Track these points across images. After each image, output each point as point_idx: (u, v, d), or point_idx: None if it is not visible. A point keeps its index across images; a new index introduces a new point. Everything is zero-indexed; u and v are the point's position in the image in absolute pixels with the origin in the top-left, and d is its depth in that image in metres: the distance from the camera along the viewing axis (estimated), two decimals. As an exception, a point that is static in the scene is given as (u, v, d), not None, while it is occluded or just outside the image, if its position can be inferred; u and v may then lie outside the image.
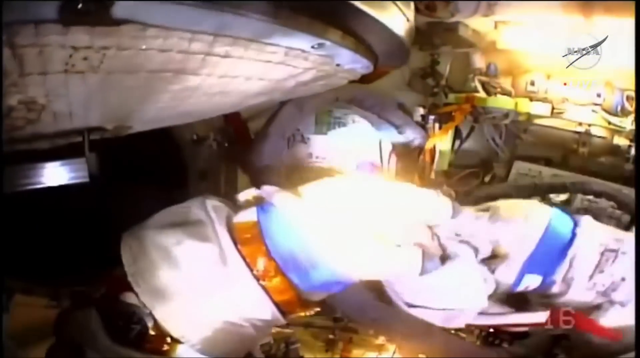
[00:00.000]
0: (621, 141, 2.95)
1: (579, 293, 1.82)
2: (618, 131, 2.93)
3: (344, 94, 2.98)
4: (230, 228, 1.60)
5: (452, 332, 3.46)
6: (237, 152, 3.25)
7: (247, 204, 1.72)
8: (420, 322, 2.70)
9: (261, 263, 1.56)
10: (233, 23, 1.33)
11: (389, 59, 2.27)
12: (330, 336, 3.36)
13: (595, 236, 1.85)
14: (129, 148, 2.83)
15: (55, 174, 1.99)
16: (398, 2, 1.78)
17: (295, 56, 1.69)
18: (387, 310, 2.50)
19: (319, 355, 3.43)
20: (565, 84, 2.95)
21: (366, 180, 1.95)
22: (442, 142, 3.23)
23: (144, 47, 1.24)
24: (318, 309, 1.79)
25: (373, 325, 2.65)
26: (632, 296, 1.78)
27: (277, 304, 1.56)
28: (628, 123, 2.87)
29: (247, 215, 1.64)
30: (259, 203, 1.68)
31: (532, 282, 1.82)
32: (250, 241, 1.57)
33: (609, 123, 2.91)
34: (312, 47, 1.66)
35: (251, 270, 1.53)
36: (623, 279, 1.76)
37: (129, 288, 1.60)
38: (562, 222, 1.86)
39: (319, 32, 1.59)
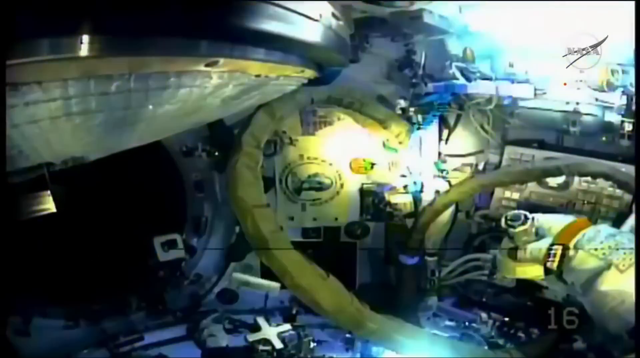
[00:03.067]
0: (613, 117, 2.77)
1: (585, 257, 2.15)
2: (608, 107, 2.74)
3: (319, 95, 2.94)
4: None
5: (466, 323, 3.43)
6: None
7: None
8: (420, 331, 2.69)
9: None
10: (98, 65, 1.36)
11: (327, 61, 2.24)
12: (347, 335, 3.35)
13: (604, 227, 2.29)
14: (127, 167, 2.96)
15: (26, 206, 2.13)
16: (301, 9, 1.73)
17: (193, 77, 1.70)
18: (385, 321, 2.49)
19: (340, 354, 3.43)
20: (565, 84, 2.81)
21: None
22: (427, 133, 3.15)
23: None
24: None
25: (373, 336, 2.64)
26: (630, 265, 2.03)
27: None
28: (616, 98, 2.67)
29: None
30: None
31: (557, 250, 2.26)
32: None
33: (597, 99, 2.73)
34: (207, 65, 1.65)
35: None
36: (617, 248, 2.09)
37: None
38: (584, 221, 2.39)
39: (206, 52, 1.58)
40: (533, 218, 2.31)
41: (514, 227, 2.29)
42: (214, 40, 1.58)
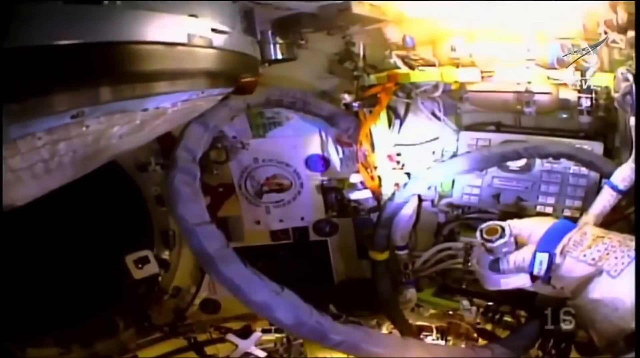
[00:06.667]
0: (569, 94, 2.58)
1: (573, 264, 2.00)
2: (562, 84, 2.55)
3: (254, 100, 2.76)
4: None
5: (451, 312, 3.34)
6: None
7: None
8: (389, 337, 2.56)
9: None
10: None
11: (237, 73, 2.12)
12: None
13: (589, 229, 2.10)
14: (86, 190, 2.88)
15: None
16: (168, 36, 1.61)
17: (65, 131, 1.60)
18: (349, 332, 2.37)
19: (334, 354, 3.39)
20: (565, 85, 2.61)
21: None
22: (376, 125, 2.99)
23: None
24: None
25: (339, 348, 2.52)
26: (622, 270, 1.89)
27: None
28: (569, 75, 2.47)
29: None
30: None
31: (542, 258, 2.08)
32: None
33: (548, 77, 2.54)
34: (72, 117, 1.54)
35: None
36: (607, 253, 1.94)
37: None
38: (565, 222, 2.17)
39: (110, 97, 1.51)
40: (511, 228, 2.16)
41: (492, 241, 2.14)
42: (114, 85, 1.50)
